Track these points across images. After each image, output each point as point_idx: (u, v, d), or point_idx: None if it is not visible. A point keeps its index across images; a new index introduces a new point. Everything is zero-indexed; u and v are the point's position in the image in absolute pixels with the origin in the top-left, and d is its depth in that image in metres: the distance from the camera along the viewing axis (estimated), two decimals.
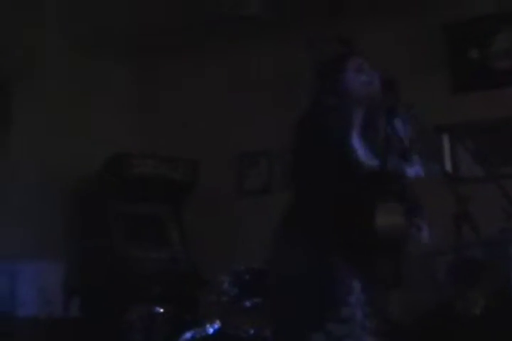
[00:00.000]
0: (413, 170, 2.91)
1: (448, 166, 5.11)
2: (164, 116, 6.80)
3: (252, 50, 6.43)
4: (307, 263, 2.90)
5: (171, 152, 6.29)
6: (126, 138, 6.50)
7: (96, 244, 5.84)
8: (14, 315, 5.16)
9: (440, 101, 5.48)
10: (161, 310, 4.91)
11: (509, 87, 5.45)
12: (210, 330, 4.16)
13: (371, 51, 5.04)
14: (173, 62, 6.79)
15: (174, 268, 5.84)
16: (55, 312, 5.35)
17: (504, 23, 5.55)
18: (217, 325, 4.19)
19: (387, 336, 2.91)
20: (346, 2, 5.78)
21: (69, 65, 6.21)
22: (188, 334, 4.16)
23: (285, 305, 2.96)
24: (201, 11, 5.89)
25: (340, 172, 2.87)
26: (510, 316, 3.70)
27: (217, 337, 4.14)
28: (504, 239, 3.64)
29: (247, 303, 4.26)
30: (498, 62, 5.56)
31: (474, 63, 5.62)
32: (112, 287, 5.55)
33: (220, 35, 6.33)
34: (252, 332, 4.08)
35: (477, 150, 5.33)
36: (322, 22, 5.96)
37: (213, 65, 6.63)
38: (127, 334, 4.92)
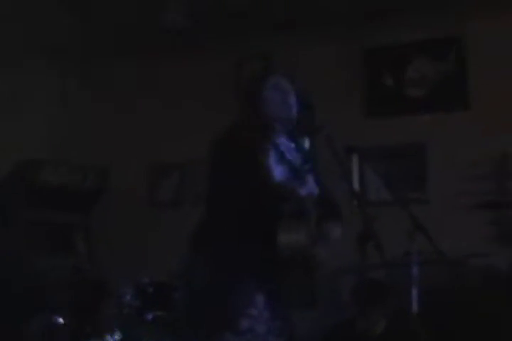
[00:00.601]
0: (306, 189, 2.96)
1: (355, 187, 5.20)
2: (77, 122, 6.70)
3: (171, 61, 6.42)
4: (210, 274, 2.93)
5: (82, 160, 6.20)
6: (36, 144, 6.37)
7: None
8: None
9: (353, 124, 5.59)
10: (62, 321, 4.82)
11: (420, 114, 5.59)
12: None
13: (290, 70, 5.15)
14: (91, 69, 6.72)
15: (77, 278, 5.74)
16: None
17: (418, 52, 5.69)
18: (117, 336, 4.14)
19: None
20: (270, 19, 5.82)
21: None
22: None
23: (192, 316, 2.98)
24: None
25: (251, 190, 2.89)
26: (409, 338, 3.77)
27: None
28: (407, 262, 3.72)
29: (149, 316, 4.23)
30: (411, 89, 5.69)
31: (388, 89, 5.75)
32: (12, 296, 5.41)
33: (144, 44, 6.30)
34: None
35: (385, 174, 5.45)
36: (245, 38, 6.00)
37: (131, 74, 6.59)
38: None
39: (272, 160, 3.04)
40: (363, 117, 5.75)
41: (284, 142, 3.11)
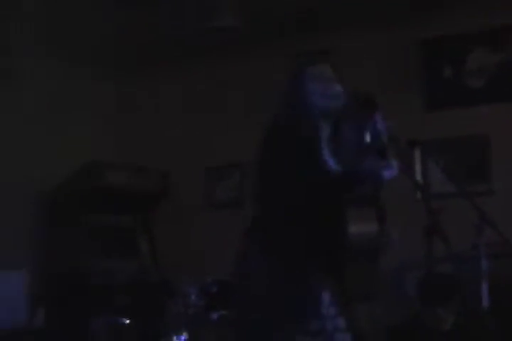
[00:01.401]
0: (388, 172, 2.85)
1: (419, 180, 5.12)
2: (137, 127, 6.76)
3: (223, 64, 6.43)
4: (276, 275, 2.84)
5: (143, 162, 6.24)
6: (99, 148, 6.45)
7: (63, 253, 5.78)
8: None
9: (413, 117, 5.51)
10: (127, 321, 4.86)
11: (481, 105, 5.48)
12: None
13: (348, 65, 5.11)
14: (150, 76, 6.77)
15: (142, 279, 5.79)
16: (20, 322, 5.27)
17: (477, 42, 5.58)
18: (183, 336, 4.15)
19: None
20: (323, 16, 5.78)
21: (48, 75, 6.19)
22: None
23: (253, 317, 2.90)
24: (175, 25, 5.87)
25: (309, 181, 2.82)
26: (478, 333, 3.69)
27: None
28: (475, 255, 3.63)
29: (214, 315, 4.23)
30: (471, 80, 5.59)
31: (448, 81, 5.66)
32: (78, 297, 5.47)
33: (192, 50, 6.33)
34: None
35: (448, 166, 5.36)
36: (302, 37, 5.97)
37: (188, 78, 6.62)
38: None
39: (326, 151, 2.95)
40: (423, 109, 5.66)
41: (340, 132, 3.02)
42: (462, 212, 4.08)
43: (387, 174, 2.78)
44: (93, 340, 4.84)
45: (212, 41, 6.08)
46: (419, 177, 5.30)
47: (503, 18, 5.43)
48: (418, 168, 5.40)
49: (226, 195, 6.36)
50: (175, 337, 4.19)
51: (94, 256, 5.69)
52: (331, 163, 2.87)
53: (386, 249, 2.85)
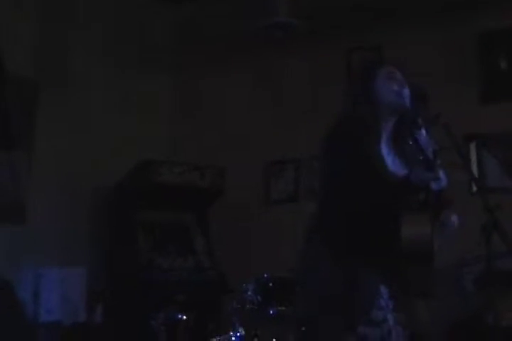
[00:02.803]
0: (437, 183, 2.87)
1: (475, 175, 5.06)
2: (192, 123, 6.81)
3: (283, 59, 6.43)
4: (335, 267, 2.89)
5: (198, 160, 6.28)
6: (154, 146, 6.53)
7: (121, 250, 5.85)
8: (38, 321, 5.16)
9: (469, 110, 5.44)
10: (184, 317, 4.90)
11: None
12: (233, 337, 4.14)
13: (403, 59, 5.08)
14: (207, 72, 6.81)
15: (199, 276, 5.83)
16: (79, 318, 5.35)
17: None
18: (240, 332, 4.17)
19: None
20: (380, 11, 5.75)
21: (104, 74, 6.29)
22: None
23: (316, 310, 2.93)
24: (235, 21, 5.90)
25: (368, 181, 2.84)
26: None
27: None
28: None
29: (271, 311, 4.24)
30: None
31: (504, 74, 5.57)
32: (136, 294, 5.53)
33: (251, 45, 6.35)
34: (275, 340, 4.06)
35: (505, 160, 5.28)
36: (357, 31, 5.95)
37: (244, 74, 6.64)
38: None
39: (386, 150, 2.99)
40: (480, 103, 5.58)
41: (400, 131, 3.06)
42: None
43: (434, 186, 2.80)
44: (151, 336, 4.88)
45: (271, 37, 6.09)
46: (475, 171, 5.24)
47: None
48: (474, 162, 5.34)
49: (282, 190, 6.36)
50: (231, 333, 4.21)
51: (151, 252, 5.74)
52: (391, 162, 2.91)
53: (441, 251, 2.86)
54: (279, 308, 4.23)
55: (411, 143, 2.96)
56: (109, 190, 6.04)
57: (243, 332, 4.17)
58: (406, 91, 3.05)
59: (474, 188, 4.79)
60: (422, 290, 2.93)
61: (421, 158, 2.88)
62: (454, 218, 3.01)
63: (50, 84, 5.76)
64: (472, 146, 5.35)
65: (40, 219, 5.47)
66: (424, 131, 2.97)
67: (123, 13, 6.47)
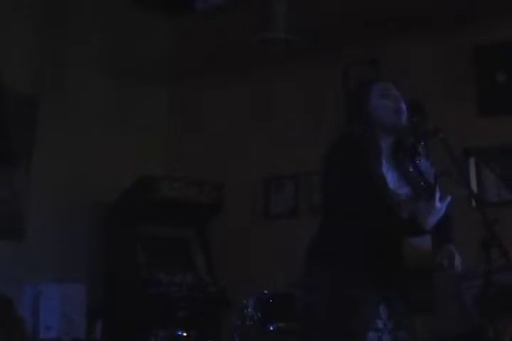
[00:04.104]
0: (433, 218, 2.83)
1: (474, 189, 5.06)
2: (191, 139, 6.81)
3: (280, 74, 6.45)
4: (334, 286, 2.87)
5: (197, 175, 6.29)
6: (152, 161, 6.53)
7: (120, 266, 5.84)
8: (38, 338, 5.14)
9: (467, 124, 5.45)
10: (185, 334, 4.89)
11: None
12: None
13: (400, 72, 5.09)
14: (204, 87, 6.82)
15: (199, 292, 5.81)
16: (79, 335, 5.33)
17: None
18: None
19: None
20: (376, 24, 5.78)
21: (99, 89, 6.30)
22: None
23: (315, 329, 2.93)
24: (231, 36, 5.92)
25: (369, 199, 2.84)
26: None
27: None
28: None
29: (271, 327, 4.24)
30: None
31: (502, 86, 5.58)
32: (136, 310, 5.52)
33: (249, 59, 6.37)
34: None
35: (504, 174, 5.28)
36: (353, 46, 5.98)
37: (241, 89, 6.65)
38: None
39: (386, 168, 2.99)
40: (478, 116, 5.58)
41: (399, 149, 3.06)
42: None
43: (431, 220, 2.77)
44: None
45: (266, 52, 6.11)
46: (474, 185, 5.24)
47: None
48: (473, 177, 5.34)
49: (281, 205, 6.35)
50: None
51: (150, 268, 5.73)
52: (391, 180, 2.91)
53: (442, 269, 2.86)
54: (279, 324, 4.23)
55: (411, 169, 2.96)
56: (108, 206, 6.03)
57: None
58: (402, 107, 3.03)
59: (473, 203, 4.78)
60: (422, 306, 2.93)
61: (422, 183, 2.88)
62: (458, 261, 2.99)
63: (49, 100, 5.77)
64: (471, 161, 5.35)
65: (39, 235, 5.47)
66: (424, 156, 2.97)
67: (121, 26, 6.48)
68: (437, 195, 2.73)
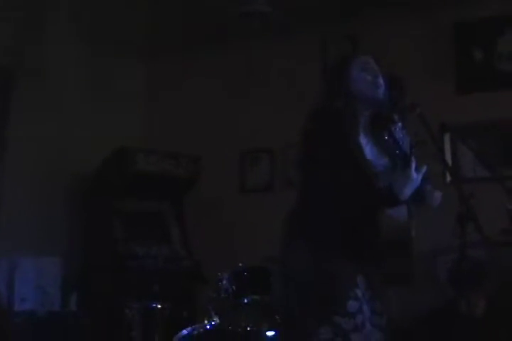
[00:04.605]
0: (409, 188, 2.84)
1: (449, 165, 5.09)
2: (167, 112, 6.79)
3: (258, 47, 6.43)
4: (312, 258, 2.90)
5: (173, 148, 6.27)
6: (129, 134, 6.49)
7: (96, 239, 5.83)
8: (13, 310, 5.14)
9: (444, 100, 5.47)
10: (160, 306, 4.90)
11: None
12: (209, 326, 4.15)
13: (379, 49, 5.08)
14: (182, 60, 6.79)
15: (174, 265, 5.83)
16: (54, 307, 5.34)
17: (508, 25, 5.52)
18: (215, 321, 4.18)
19: (391, 334, 2.90)
20: (356, 1, 5.76)
21: (75, 62, 6.22)
22: (186, 330, 4.14)
23: (291, 299, 2.95)
24: (209, 9, 5.87)
25: (347, 171, 2.85)
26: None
27: (215, 333, 4.13)
28: (508, 240, 3.62)
29: (246, 300, 4.26)
30: (502, 63, 5.54)
31: (480, 64, 5.60)
32: (111, 283, 5.53)
33: (226, 33, 6.33)
34: (249, 328, 4.08)
35: (479, 151, 5.32)
36: (330, 20, 5.96)
37: (220, 62, 6.63)
38: (125, 330, 4.91)
39: (364, 140, 3.01)
40: (455, 93, 5.61)
41: (377, 121, 3.06)
42: (493, 197, 4.08)
43: (407, 191, 2.77)
44: (126, 325, 4.88)
45: (245, 26, 6.07)
46: (449, 161, 5.27)
47: None
48: (448, 152, 5.37)
49: (257, 179, 6.37)
50: (206, 322, 4.22)
51: (126, 241, 5.73)
52: (369, 152, 2.92)
53: (417, 239, 2.88)
54: (253, 297, 4.25)
55: (387, 137, 2.96)
56: (84, 179, 6.01)
57: (218, 321, 4.18)
58: (381, 82, 3.05)
59: (449, 178, 4.81)
60: (396, 279, 2.95)
61: (397, 152, 2.88)
62: (438, 195, 3.01)
63: (25, 73, 5.71)
64: (447, 136, 5.38)
65: (14, 208, 5.44)
66: (400, 125, 2.97)
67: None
68: (413, 165, 2.74)
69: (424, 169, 2.78)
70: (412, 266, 2.96)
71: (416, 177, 2.76)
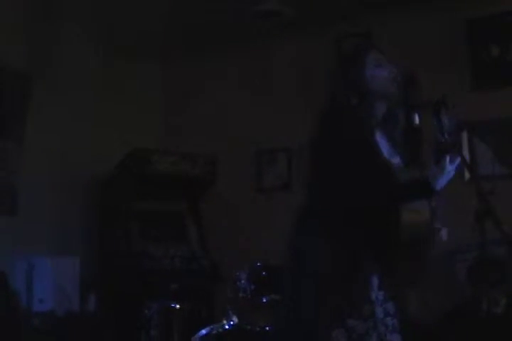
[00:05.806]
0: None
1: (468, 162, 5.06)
2: (183, 113, 6.80)
3: (272, 47, 6.43)
4: (328, 259, 2.85)
5: (190, 149, 6.27)
6: (146, 135, 6.51)
7: (114, 239, 5.85)
8: (31, 311, 5.16)
9: (460, 97, 5.41)
10: (178, 306, 4.91)
11: None
12: (227, 326, 4.15)
13: (393, 45, 5.07)
14: (197, 61, 6.80)
15: (192, 265, 5.83)
16: (72, 307, 5.35)
17: None
18: (233, 320, 4.18)
19: (408, 335, 2.88)
20: None
21: (91, 65, 6.27)
22: (204, 330, 4.14)
23: (305, 301, 2.92)
24: (224, 9, 5.86)
25: (363, 168, 2.83)
26: None
27: (233, 333, 4.13)
28: None
29: (264, 299, 4.25)
30: None
31: (495, 60, 5.56)
32: (130, 283, 5.54)
33: (240, 34, 6.33)
34: (268, 327, 4.07)
35: (496, 147, 5.28)
36: (346, 17, 5.94)
37: (234, 62, 6.63)
38: (144, 330, 4.91)
39: (379, 137, 2.99)
40: (471, 90, 5.57)
41: (392, 118, 3.05)
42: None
43: (442, 181, 2.77)
44: (145, 325, 4.89)
45: (260, 25, 6.06)
46: (467, 158, 5.24)
47: None
48: (466, 149, 5.34)
49: (274, 179, 6.36)
50: (224, 321, 4.22)
51: (144, 241, 5.74)
52: (385, 149, 2.90)
53: (436, 237, 2.86)
54: (272, 296, 4.24)
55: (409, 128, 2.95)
56: (101, 180, 6.03)
57: (236, 321, 4.17)
58: (396, 77, 3.03)
59: (467, 175, 4.79)
60: (414, 279, 2.93)
61: (442, 140, 2.85)
62: (444, 232, 2.99)
63: (42, 76, 5.72)
64: (463, 134, 5.35)
65: (32, 209, 5.46)
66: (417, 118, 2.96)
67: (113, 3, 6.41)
68: (447, 157, 2.74)
69: (457, 160, 2.78)
70: (430, 266, 2.93)
71: (451, 168, 2.77)
